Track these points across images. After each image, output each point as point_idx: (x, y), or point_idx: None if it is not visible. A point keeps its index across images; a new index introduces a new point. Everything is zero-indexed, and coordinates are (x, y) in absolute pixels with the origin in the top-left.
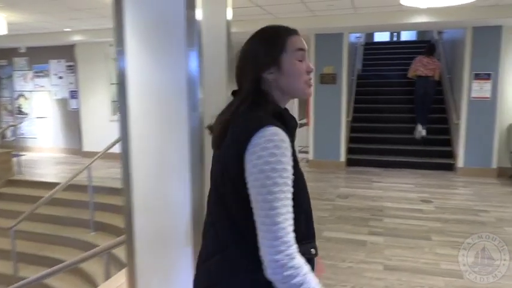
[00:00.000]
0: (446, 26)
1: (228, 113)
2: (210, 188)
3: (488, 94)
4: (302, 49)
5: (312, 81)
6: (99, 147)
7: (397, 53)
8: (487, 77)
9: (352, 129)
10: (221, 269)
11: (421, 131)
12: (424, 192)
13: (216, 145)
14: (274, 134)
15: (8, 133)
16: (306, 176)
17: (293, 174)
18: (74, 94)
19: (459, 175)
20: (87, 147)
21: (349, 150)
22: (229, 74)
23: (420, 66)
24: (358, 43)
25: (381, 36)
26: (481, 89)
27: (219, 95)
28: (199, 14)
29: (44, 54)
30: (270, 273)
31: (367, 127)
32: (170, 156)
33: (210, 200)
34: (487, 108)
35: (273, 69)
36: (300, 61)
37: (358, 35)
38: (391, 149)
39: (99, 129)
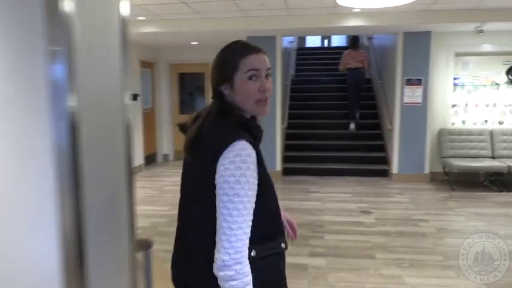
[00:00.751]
0: (378, 30)
1: (198, 123)
2: (182, 191)
3: (419, 99)
4: (255, 69)
5: (267, 100)
6: None
7: (329, 58)
8: (418, 82)
9: (287, 136)
10: (204, 266)
11: (353, 128)
12: (362, 202)
13: (187, 151)
14: (242, 149)
15: None
16: None
17: (261, 180)
18: None
19: (394, 181)
20: None
21: (285, 159)
22: (124, 78)
23: (350, 60)
24: (291, 48)
25: (313, 42)
26: (412, 95)
27: (110, 102)
28: (69, 4)
29: None
30: (215, 268)
31: (303, 134)
32: (23, 197)
33: (183, 202)
34: (418, 113)
35: (227, 85)
36: (253, 80)
37: (291, 39)
38: (327, 156)
39: None
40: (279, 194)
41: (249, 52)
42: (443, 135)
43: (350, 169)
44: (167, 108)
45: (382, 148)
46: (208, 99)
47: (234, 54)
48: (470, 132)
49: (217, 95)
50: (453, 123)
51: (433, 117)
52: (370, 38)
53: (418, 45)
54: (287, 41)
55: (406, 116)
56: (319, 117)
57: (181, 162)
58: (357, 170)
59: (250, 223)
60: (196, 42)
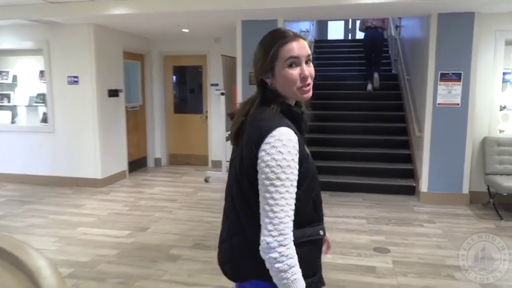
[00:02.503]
0: (407, 10)
1: (243, 111)
2: (230, 178)
3: (458, 100)
4: (294, 57)
5: (310, 85)
6: None
7: (352, 52)
8: (456, 77)
9: None
10: (242, 247)
11: (370, 88)
12: (379, 233)
13: (233, 141)
14: (283, 134)
15: None
16: None
17: (303, 166)
18: None
19: (423, 202)
20: None
21: None
22: None
23: (369, 19)
24: (307, 39)
25: (335, 34)
26: (449, 93)
27: None
28: None
29: None
30: (260, 251)
31: (314, 139)
32: None
33: (229, 187)
34: (456, 117)
35: (269, 74)
36: (293, 68)
37: (305, 28)
38: (342, 167)
39: None
40: None
41: (288, 40)
42: (489, 145)
43: (368, 184)
44: (160, 107)
45: (409, 159)
46: (207, 95)
47: (274, 43)
48: None
49: (261, 84)
50: (502, 131)
51: (476, 122)
52: (397, 27)
53: (458, 30)
54: (299, 31)
55: (439, 120)
56: (336, 119)
57: (175, 167)
58: (376, 186)
59: (293, 207)
60: (187, 30)
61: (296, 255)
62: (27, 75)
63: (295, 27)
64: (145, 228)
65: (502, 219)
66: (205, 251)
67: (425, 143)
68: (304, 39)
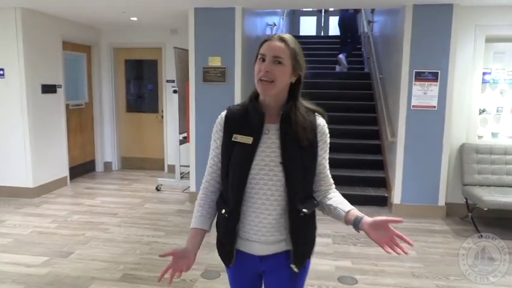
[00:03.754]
0: (379, 1)
1: None
2: None
3: (434, 102)
4: (262, 54)
5: (262, 81)
6: None
7: (324, 49)
8: (432, 77)
9: None
10: None
11: (339, 68)
12: (345, 257)
13: None
14: (220, 115)
15: None
16: None
17: (223, 147)
18: None
19: (395, 215)
20: None
21: None
22: None
23: None
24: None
25: (307, 30)
26: (424, 94)
27: None
28: None
29: None
30: None
31: None
32: None
33: None
34: (432, 121)
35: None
36: (259, 62)
37: (272, 22)
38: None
39: None
40: None
41: (267, 40)
42: (467, 153)
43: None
44: (110, 104)
45: (381, 166)
46: (163, 93)
47: (262, 42)
48: (505, 150)
49: None
50: (480, 137)
51: (453, 127)
52: (370, 22)
53: (435, 24)
54: (265, 24)
55: (414, 124)
56: None
57: (127, 172)
58: (345, 196)
59: (210, 169)
60: (135, 19)
61: (197, 206)
62: None
63: (261, 21)
64: (69, 253)
65: (481, 236)
66: (133, 285)
67: (398, 149)
68: (278, 40)
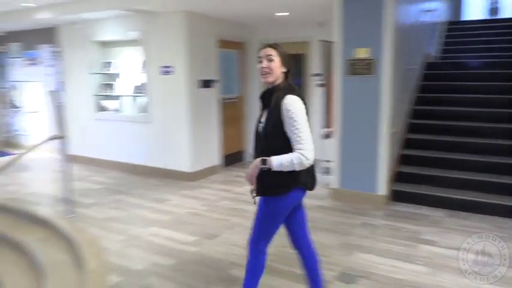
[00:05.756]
0: None
1: None
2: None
3: None
4: (259, 57)
5: (263, 73)
6: (85, 152)
7: (493, 34)
8: None
9: (406, 144)
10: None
11: None
12: (504, 283)
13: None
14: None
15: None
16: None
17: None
18: (61, 86)
19: None
20: (73, 150)
21: (397, 177)
22: None
23: None
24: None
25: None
26: None
27: None
28: None
29: (31, 38)
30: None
31: (431, 141)
32: None
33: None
34: None
35: None
36: (259, 62)
37: (428, 7)
38: (467, 179)
39: (82, 130)
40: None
41: (262, 48)
42: None
43: (501, 205)
44: (257, 98)
45: None
46: (308, 87)
47: (260, 49)
48: None
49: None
50: None
51: None
52: None
53: None
54: (419, 11)
55: None
56: (462, 116)
57: None
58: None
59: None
60: (287, 13)
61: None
62: (127, 66)
63: (415, 7)
64: (215, 235)
65: None
66: (273, 277)
67: None
68: (269, 47)
